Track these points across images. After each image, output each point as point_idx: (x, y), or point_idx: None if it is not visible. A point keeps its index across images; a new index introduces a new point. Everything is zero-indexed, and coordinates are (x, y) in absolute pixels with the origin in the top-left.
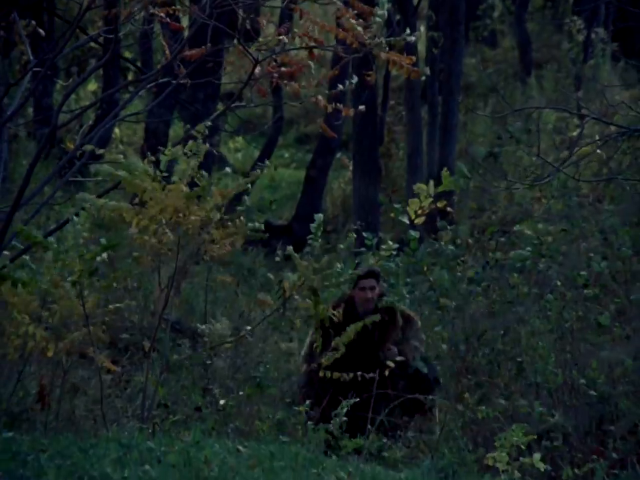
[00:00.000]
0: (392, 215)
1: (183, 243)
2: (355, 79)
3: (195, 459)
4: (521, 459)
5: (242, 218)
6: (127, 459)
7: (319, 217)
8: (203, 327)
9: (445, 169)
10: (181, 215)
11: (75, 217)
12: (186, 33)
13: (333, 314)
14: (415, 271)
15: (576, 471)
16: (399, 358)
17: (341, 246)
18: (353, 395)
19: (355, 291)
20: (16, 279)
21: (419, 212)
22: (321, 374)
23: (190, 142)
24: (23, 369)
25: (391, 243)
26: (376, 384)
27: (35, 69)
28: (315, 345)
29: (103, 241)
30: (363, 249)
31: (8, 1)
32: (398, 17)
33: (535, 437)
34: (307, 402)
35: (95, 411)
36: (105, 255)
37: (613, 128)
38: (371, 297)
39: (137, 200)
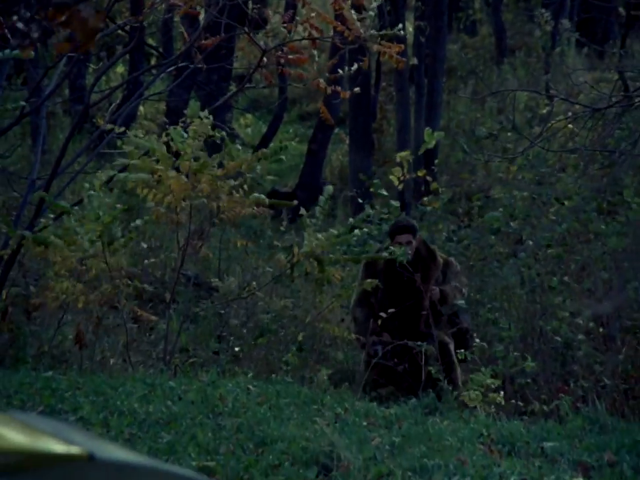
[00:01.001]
0: (371, 189)
1: (195, 209)
2: (355, 67)
3: (211, 396)
4: (489, 394)
5: (245, 187)
6: (151, 396)
7: (329, 188)
8: (218, 281)
9: (429, 129)
10: (190, 189)
11: (98, 189)
12: (201, 22)
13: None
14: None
15: (544, 406)
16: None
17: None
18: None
19: (393, 245)
20: (51, 241)
21: (401, 178)
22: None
23: (194, 123)
24: (61, 318)
25: (371, 210)
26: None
27: (69, 54)
28: (362, 291)
29: (119, 207)
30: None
31: None
32: (389, 8)
33: (500, 380)
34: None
35: (123, 354)
36: (138, 222)
37: (577, 107)
38: (420, 243)
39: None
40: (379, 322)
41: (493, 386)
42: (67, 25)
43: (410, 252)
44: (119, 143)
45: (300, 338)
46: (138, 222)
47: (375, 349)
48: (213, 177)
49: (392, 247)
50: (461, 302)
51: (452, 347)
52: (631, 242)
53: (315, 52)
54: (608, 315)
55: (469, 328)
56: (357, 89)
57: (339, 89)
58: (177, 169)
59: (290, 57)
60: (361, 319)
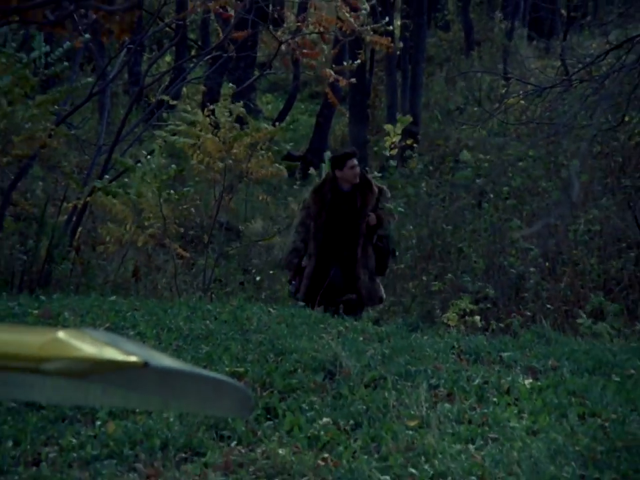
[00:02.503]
0: (375, 150)
1: (228, 169)
2: (357, 62)
3: (240, 317)
4: (466, 318)
5: (270, 154)
6: (193, 316)
7: (328, 154)
8: (244, 227)
9: (403, 115)
10: (224, 152)
11: (158, 152)
12: (232, 20)
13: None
14: (393, 188)
15: (500, 324)
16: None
17: None
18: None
19: (344, 170)
20: (115, 192)
21: (392, 145)
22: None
23: (223, 101)
24: (122, 257)
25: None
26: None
27: (129, 46)
28: (313, 213)
29: (174, 167)
30: None
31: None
32: (380, 9)
33: (475, 305)
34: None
35: (171, 284)
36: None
37: (529, 87)
38: (357, 173)
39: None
40: (318, 245)
41: (467, 310)
42: (107, 20)
43: (356, 173)
44: (165, 116)
45: None
46: (187, 189)
47: (293, 286)
48: (245, 145)
49: (346, 173)
50: (392, 228)
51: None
52: (563, 195)
53: (325, 47)
54: (552, 252)
55: (390, 251)
56: (353, 80)
57: (340, 78)
58: (218, 137)
59: (304, 51)
60: (289, 247)
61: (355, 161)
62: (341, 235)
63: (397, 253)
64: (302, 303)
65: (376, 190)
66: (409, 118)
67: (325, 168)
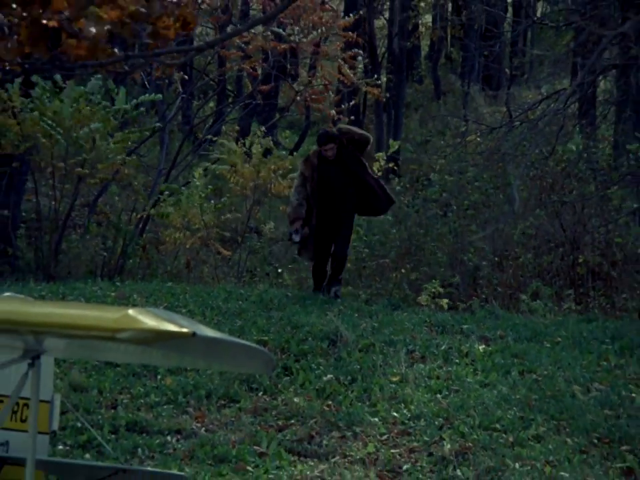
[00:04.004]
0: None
1: (257, 188)
2: (352, 102)
3: (265, 298)
4: (436, 299)
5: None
6: (229, 298)
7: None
8: (268, 231)
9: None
10: (254, 175)
11: (198, 176)
12: (259, 77)
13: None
14: None
15: (463, 305)
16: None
17: None
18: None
19: (322, 148)
20: (167, 213)
21: (379, 169)
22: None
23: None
24: (176, 254)
25: None
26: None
27: (182, 95)
28: (301, 180)
29: (210, 187)
30: None
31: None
32: (371, 67)
33: (443, 289)
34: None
35: (213, 273)
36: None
37: (482, 127)
38: (332, 154)
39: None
40: (315, 202)
41: (437, 292)
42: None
43: (333, 153)
44: (209, 148)
45: None
46: (224, 199)
47: (291, 233)
48: (269, 170)
49: (324, 151)
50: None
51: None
52: (508, 207)
53: (330, 94)
54: (500, 250)
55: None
56: (352, 117)
57: (341, 117)
58: (249, 164)
59: (313, 97)
60: (294, 203)
61: (329, 146)
62: (333, 192)
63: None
64: (297, 244)
65: (365, 164)
66: (398, 142)
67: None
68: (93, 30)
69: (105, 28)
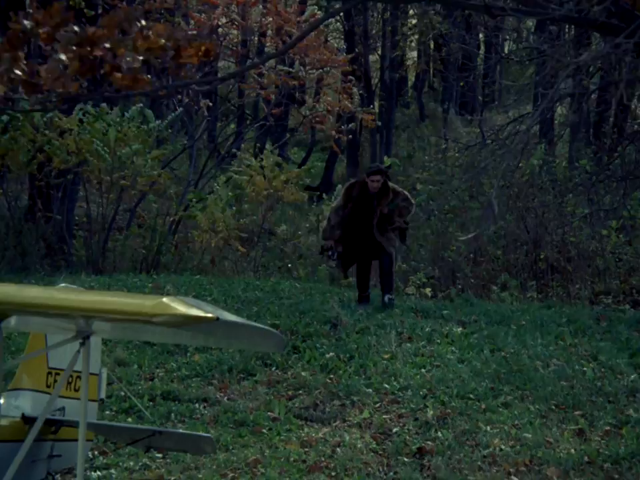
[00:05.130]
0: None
1: (270, 196)
2: (350, 125)
3: (277, 288)
4: (420, 289)
5: (296, 186)
6: (247, 288)
7: (339, 187)
8: (279, 231)
9: (387, 158)
10: (267, 185)
11: (221, 185)
12: (272, 102)
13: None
14: None
15: (443, 294)
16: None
17: None
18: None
19: (368, 180)
20: (195, 215)
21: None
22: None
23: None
24: (203, 251)
25: None
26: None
27: (207, 118)
28: (340, 205)
29: (230, 194)
30: None
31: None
32: (366, 95)
33: (426, 280)
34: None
35: (233, 268)
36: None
37: (460, 144)
38: (376, 186)
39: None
40: (342, 228)
41: (422, 282)
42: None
43: (378, 185)
44: (231, 162)
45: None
46: (245, 206)
47: (327, 249)
48: (280, 180)
49: (369, 183)
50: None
51: (392, 247)
52: (482, 212)
53: (330, 118)
54: (474, 248)
55: (405, 227)
56: (350, 136)
57: (341, 136)
58: (263, 175)
59: (318, 119)
60: (331, 223)
61: (376, 177)
62: (359, 223)
63: (409, 229)
64: (335, 261)
65: (391, 194)
66: (391, 159)
67: (337, 194)
68: (132, 62)
69: (140, 58)
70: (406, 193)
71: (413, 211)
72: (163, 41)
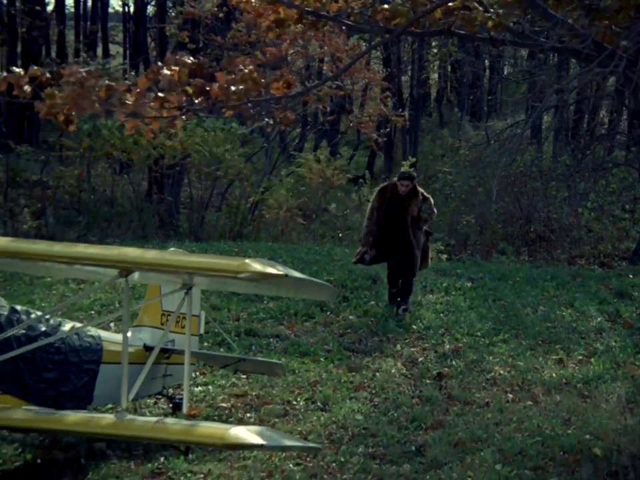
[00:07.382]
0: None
1: (323, 182)
2: (387, 128)
3: (331, 252)
4: (439, 255)
5: (344, 175)
6: (309, 252)
7: (367, 172)
8: (330, 208)
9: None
10: (321, 173)
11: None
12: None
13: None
14: None
15: (456, 257)
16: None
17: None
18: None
19: (398, 183)
20: (268, 197)
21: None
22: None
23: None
24: (274, 224)
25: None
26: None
27: (278, 124)
28: (375, 206)
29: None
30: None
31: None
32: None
33: (444, 247)
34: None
35: (297, 237)
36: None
37: (470, 143)
38: (405, 189)
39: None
40: (378, 229)
41: (441, 249)
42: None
43: (407, 189)
44: (295, 156)
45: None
46: (304, 189)
47: (364, 255)
48: (332, 171)
49: (399, 186)
50: (430, 211)
51: (417, 250)
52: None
53: (371, 123)
54: (480, 222)
55: (431, 233)
56: (386, 138)
57: (380, 137)
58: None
59: (362, 124)
60: (364, 231)
61: (406, 182)
62: (394, 223)
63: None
64: (367, 264)
65: (420, 197)
66: (413, 159)
67: (368, 179)
68: (235, 88)
69: (241, 87)
70: (431, 200)
71: (434, 219)
72: (259, 77)
